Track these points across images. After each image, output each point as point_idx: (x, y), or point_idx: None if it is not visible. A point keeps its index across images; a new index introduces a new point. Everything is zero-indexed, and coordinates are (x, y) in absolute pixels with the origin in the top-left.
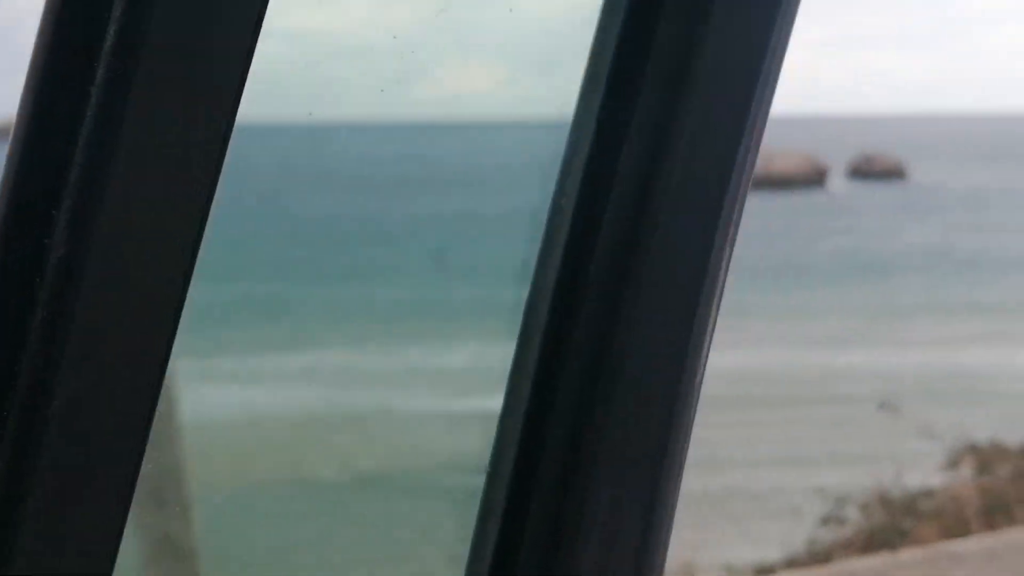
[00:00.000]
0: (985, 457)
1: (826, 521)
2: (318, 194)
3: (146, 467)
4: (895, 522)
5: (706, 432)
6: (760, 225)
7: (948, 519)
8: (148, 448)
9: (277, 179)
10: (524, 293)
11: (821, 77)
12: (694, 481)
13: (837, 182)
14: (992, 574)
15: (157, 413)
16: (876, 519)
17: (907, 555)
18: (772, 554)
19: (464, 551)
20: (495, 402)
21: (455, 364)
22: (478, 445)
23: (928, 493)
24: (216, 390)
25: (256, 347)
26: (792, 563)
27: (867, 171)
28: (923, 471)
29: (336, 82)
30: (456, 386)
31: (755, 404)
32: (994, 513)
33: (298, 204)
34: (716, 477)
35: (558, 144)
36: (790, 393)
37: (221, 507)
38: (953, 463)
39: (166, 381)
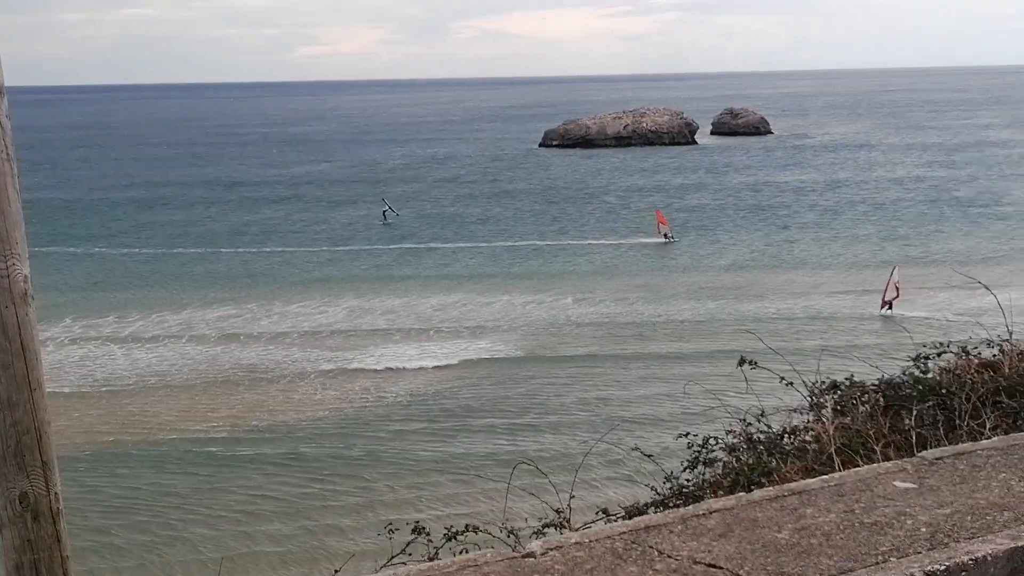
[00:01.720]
0: (844, 397)
1: (695, 463)
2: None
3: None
4: (761, 462)
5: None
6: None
7: (810, 458)
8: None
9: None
10: None
11: (689, 40)
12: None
13: (705, 137)
14: (839, 509)
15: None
16: (743, 460)
17: (760, 493)
18: (645, 497)
19: None
20: None
21: None
22: None
23: (792, 432)
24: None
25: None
26: (663, 503)
27: (733, 127)
28: (787, 413)
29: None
30: None
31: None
32: (853, 451)
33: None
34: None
35: None
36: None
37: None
38: (815, 404)
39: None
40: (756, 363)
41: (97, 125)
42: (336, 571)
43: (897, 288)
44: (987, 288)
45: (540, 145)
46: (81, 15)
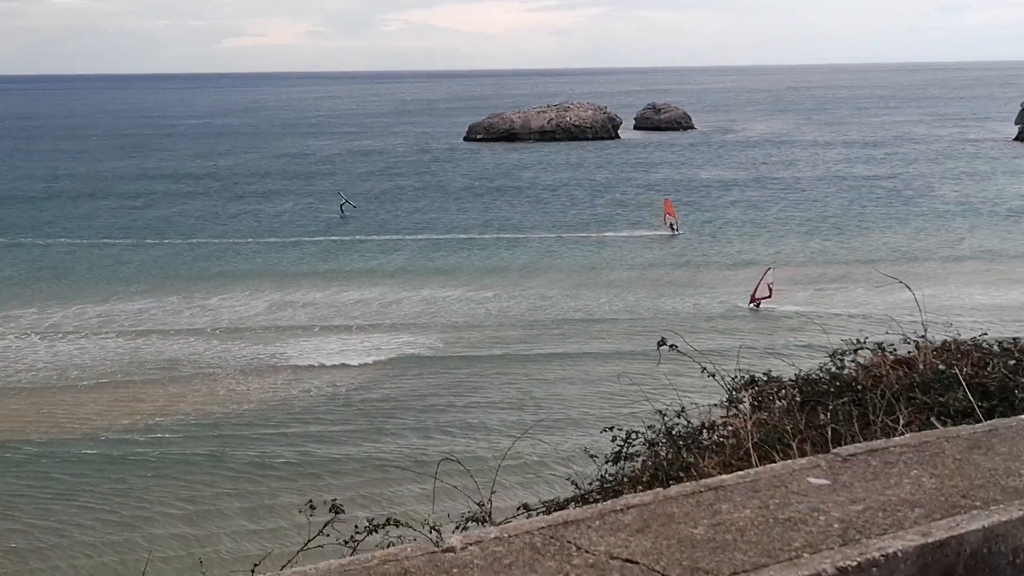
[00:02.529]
0: (762, 393)
1: (616, 458)
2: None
3: None
4: (679, 457)
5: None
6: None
7: (728, 453)
8: None
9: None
10: None
11: (614, 35)
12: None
13: (628, 132)
14: (754, 504)
15: None
16: (662, 455)
17: (677, 489)
18: (567, 492)
19: None
20: None
21: None
22: None
23: (711, 427)
24: None
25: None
26: (583, 499)
27: (656, 122)
28: (707, 408)
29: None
30: None
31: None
32: (770, 446)
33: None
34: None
35: None
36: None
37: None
38: (733, 399)
39: None
40: (675, 346)
41: (24, 115)
42: (255, 567)
43: (769, 288)
44: (905, 285)
45: (465, 139)
46: (11, 4)
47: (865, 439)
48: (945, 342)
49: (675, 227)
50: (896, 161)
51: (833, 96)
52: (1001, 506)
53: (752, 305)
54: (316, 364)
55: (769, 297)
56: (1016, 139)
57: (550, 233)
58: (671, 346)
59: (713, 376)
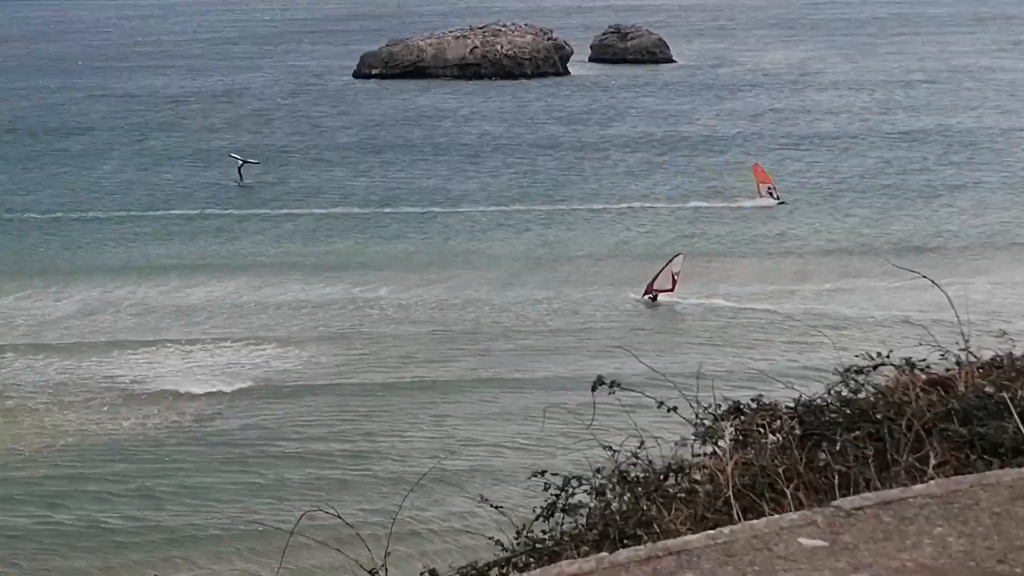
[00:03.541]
0: (748, 424)
1: (550, 511)
2: None
3: None
4: (637, 508)
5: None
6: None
7: (701, 504)
8: None
9: None
10: None
11: None
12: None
13: (582, 65)
14: (727, 574)
15: None
16: (616, 504)
17: (627, 554)
18: (488, 553)
19: None
20: None
21: None
22: None
23: (679, 470)
24: None
25: None
26: (509, 563)
27: (620, 52)
28: (675, 444)
29: None
30: None
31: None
32: (757, 495)
33: None
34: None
35: None
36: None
37: None
38: (710, 433)
39: None
40: (616, 385)
41: None
42: None
43: (674, 279)
44: (932, 281)
45: (356, 75)
46: None
47: (884, 485)
48: (995, 357)
49: (775, 194)
50: (950, 108)
51: (868, 16)
52: None
53: (647, 297)
54: (145, 391)
55: (671, 290)
56: None
57: (479, 207)
58: (611, 385)
59: (673, 411)
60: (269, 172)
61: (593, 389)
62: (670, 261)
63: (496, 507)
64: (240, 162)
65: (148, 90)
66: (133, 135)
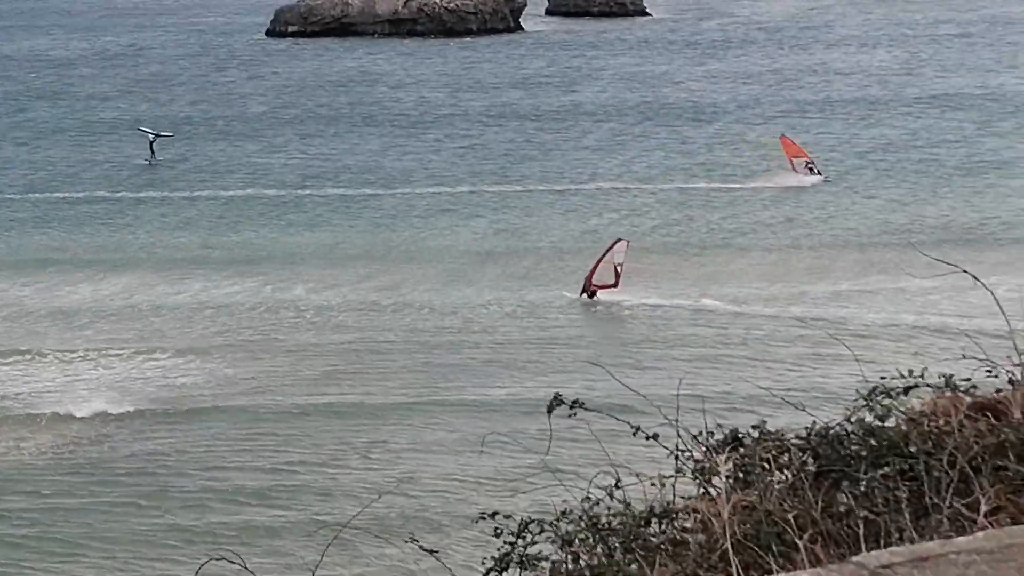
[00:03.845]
0: (751, 459)
1: (502, 565)
2: None
3: None
4: (612, 563)
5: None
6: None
7: (692, 558)
8: None
9: None
10: None
11: None
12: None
13: (538, 21)
14: None
15: None
16: (586, 557)
17: None
18: None
19: None
20: None
21: None
22: None
23: (665, 515)
24: None
25: None
26: None
27: (581, 3)
28: (659, 483)
29: None
30: None
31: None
32: (762, 547)
33: None
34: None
35: None
36: None
37: None
38: (703, 470)
39: None
40: (579, 405)
41: None
42: None
43: (617, 272)
44: (976, 279)
45: (268, 33)
46: None
47: (921, 537)
48: None
49: (814, 169)
50: (990, 66)
51: None
52: None
53: (584, 295)
54: (14, 411)
55: (615, 286)
56: None
57: (418, 188)
58: (572, 405)
59: (654, 439)
60: (168, 148)
61: (549, 411)
62: (610, 248)
63: (431, 552)
64: (151, 136)
65: (28, 52)
66: (9, 105)
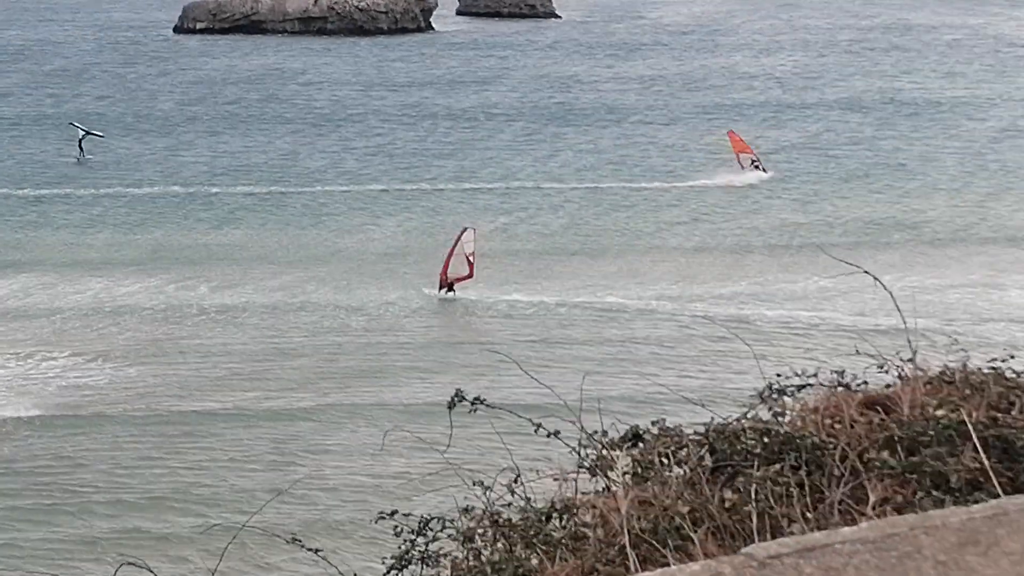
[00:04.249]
0: (649, 454)
1: (402, 563)
2: None
3: None
4: (513, 558)
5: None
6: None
7: (592, 551)
8: None
9: None
10: None
11: None
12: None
13: (449, 21)
14: None
15: None
16: (487, 552)
17: None
18: None
19: None
20: None
21: None
22: None
23: (565, 510)
24: None
25: None
26: None
27: (492, 4)
28: (560, 479)
29: None
30: None
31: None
32: (659, 540)
33: None
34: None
35: None
36: None
37: None
38: (602, 465)
39: None
40: (481, 401)
41: None
42: None
43: (470, 261)
44: (876, 279)
45: (176, 29)
46: None
47: (812, 528)
48: (945, 371)
49: (759, 165)
50: (889, 70)
51: None
52: None
53: (443, 291)
54: None
55: (470, 276)
56: None
57: (327, 186)
58: (474, 402)
59: (555, 435)
60: (73, 145)
61: (450, 406)
62: (458, 240)
63: (315, 551)
64: (82, 133)
65: None
66: None
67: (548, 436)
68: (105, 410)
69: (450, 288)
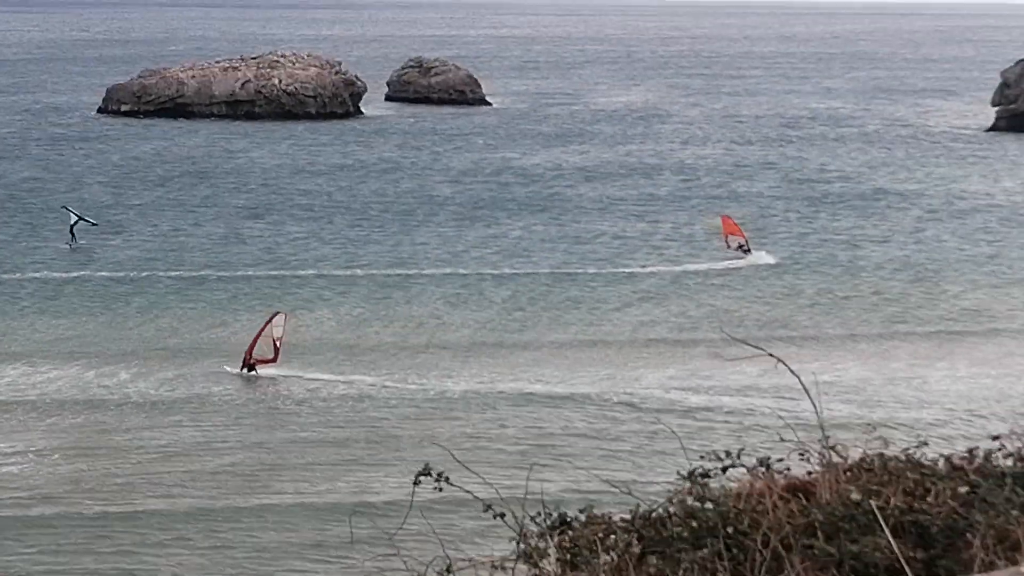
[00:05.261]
0: (578, 540)
1: None
2: None
3: None
4: None
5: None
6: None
7: None
8: None
9: None
10: None
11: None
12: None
13: (379, 106)
14: None
15: None
16: None
17: None
18: None
19: None
20: None
21: None
22: None
23: None
24: None
25: None
26: None
27: (422, 89)
28: (489, 566)
29: None
30: None
31: None
32: None
33: None
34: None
35: None
36: None
37: None
38: (531, 553)
39: None
40: (445, 478)
41: None
42: None
43: (276, 346)
44: (782, 361)
45: (101, 111)
46: None
47: None
48: (864, 458)
49: (746, 248)
50: (813, 159)
51: (711, 52)
52: None
53: (244, 370)
54: None
55: (274, 360)
56: (991, 129)
57: (261, 270)
58: (438, 478)
59: (501, 517)
60: None
61: (416, 482)
62: (268, 322)
63: None
64: (74, 218)
65: None
66: None
67: (496, 517)
68: (14, 515)
69: (252, 368)
